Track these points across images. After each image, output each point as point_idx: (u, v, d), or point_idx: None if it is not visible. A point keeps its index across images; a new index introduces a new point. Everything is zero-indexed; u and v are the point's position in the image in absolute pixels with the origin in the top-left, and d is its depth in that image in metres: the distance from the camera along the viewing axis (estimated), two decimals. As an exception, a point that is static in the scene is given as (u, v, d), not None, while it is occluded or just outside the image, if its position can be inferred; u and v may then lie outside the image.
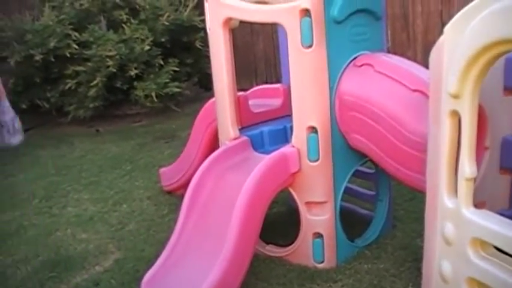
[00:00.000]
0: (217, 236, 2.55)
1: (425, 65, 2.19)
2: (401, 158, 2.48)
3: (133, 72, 6.43)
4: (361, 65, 2.69)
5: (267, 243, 3.06)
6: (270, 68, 7.72)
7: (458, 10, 1.84)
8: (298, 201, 2.85)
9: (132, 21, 6.68)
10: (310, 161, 2.75)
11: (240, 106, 3.11)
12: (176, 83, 6.68)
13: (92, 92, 6.45)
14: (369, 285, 2.69)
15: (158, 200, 4.07)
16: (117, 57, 6.29)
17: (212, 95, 3.22)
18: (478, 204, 1.96)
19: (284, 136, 3.19)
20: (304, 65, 2.66)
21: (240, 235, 2.44)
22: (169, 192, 4.14)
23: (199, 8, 6.84)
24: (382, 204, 3.17)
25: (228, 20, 2.88)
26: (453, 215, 1.97)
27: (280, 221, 3.47)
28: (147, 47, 6.47)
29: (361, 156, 2.85)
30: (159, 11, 6.80)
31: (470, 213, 1.90)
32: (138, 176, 4.69)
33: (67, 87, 6.54)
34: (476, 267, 1.88)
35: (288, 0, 2.63)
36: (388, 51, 3.06)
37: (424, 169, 2.18)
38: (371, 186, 3.41)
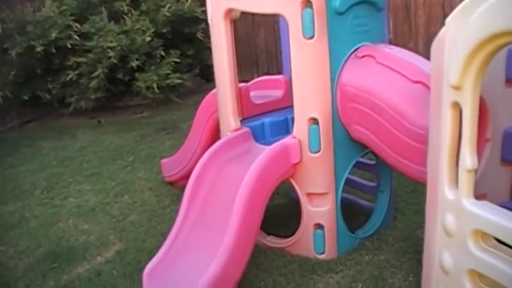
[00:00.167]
0: (218, 228, 2.56)
1: (427, 56, 2.18)
2: (402, 150, 2.48)
3: (134, 64, 6.41)
4: (363, 57, 2.69)
5: (268, 234, 3.07)
6: (271, 59, 7.71)
7: (461, 1, 1.83)
8: (299, 192, 2.86)
9: (134, 12, 6.66)
10: (311, 152, 2.75)
11: (242, 97, 3.11)
12: (177, 74, 6.66)
13: (93, 83, 6.44)
14: (369, 276, 2.70)
15: (159, 191, 4.08)
16: (119, 48, 6.27)
17: (213, 87, 3.22)
18: (479, 196, 1.96)
19: (285, 127, 3.19)
20: (305, 56, 2.66)
21: (241, 226, 2.45)
22: (170, 183, 4.14)
23: (201, -2, 6.85)
24: (383, 196, 3.17)
25: (230, 11, 2.87)
26: (454, 207, 1.97)
27: (281, 212, 3.48)
28: (149, 38, 6.45)
29: (362, 147, 2.86)
30: (160, 2, 6.77)
31: (471, 205, 1.90)
32: (140, 167, 4.69)
33: (68, 78, 6.53)
34: (477, 258, 1.88)
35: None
36: (390, 43, 3.06)
37: (425, 161, 2.18)
38: (372, 177, 3.42)
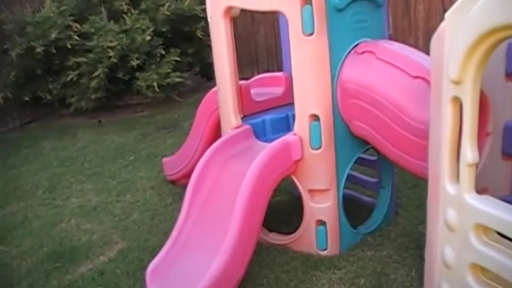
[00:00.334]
0: (220, 225, 2.56)
1: (427, 51, 2.18)
2: (403, 145, 2.48)
3: (134, 63, 6.42)
4: (363, 53, 2.69)
5: (270, 231, 3.07)
6: (271, 57, 7.71)
7: (460, -5, 1.83)
8: (301, 189, 2.86)
9: (133, 11, 6.66)
10: (313, 148, 2.76)
11: (242, 95, 3.11)
12: (178, 73, 6.67)
13: (93, 83, 6.45)
14: (372, 272, 2.70)
15: (161, 190, 4.08)
16: (119, 47, 6.28)
17: (214, 85, 3.23)
18: (480, 190, 1.96)
19: (286, 124, 3.19)
20: (305, 53, 2.66)
21: (243, 224, 2.45)
22: (172, 182, 4.15)
23: (200, -3, 6.86)
24: (385, 192, 3.17)
25: (229, 9, 2.87)
26: (455, 201, 1.97)
27: (283, 209, 3.48)
28: (148, 37, 6.45)
29: (364, 143, 2.86)
30: (159, 1, 6.78)
31: (472, 199, 1.90)
32: (141, 166, 4.70)
33: (69, 78, 6.53)
34: (479, 253, 1.88)
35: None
36: (390, 38, 3.05)
37: (426, 156, 2.18)
38: (373, 173, 3.42)
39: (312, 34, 2.60)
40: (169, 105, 6.97)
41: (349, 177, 2.97)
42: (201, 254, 2.53)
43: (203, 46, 7.24)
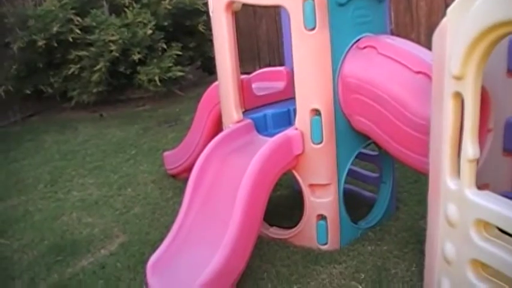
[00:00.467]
0: (221, 219, 2.57)
1: (429, 47, 2.18)
2: (404, 140, 2.48)
3: (136, 57, 6.42)
4: (364, 47, 2.69)
5: (271, 225, 3.07)
6: (273, 51, 7.70)
7: (462, -9, 1.83)
8: (301, 183, 2.86)
9: (135, 5, 6.66)
10: (314, 143, 2.76)
11: (244, 89, 3.11)
12: (179, 67, 6.67)
13: (95, 76, 6.45)
14: (372, 266, 2.70)
15: (162, 184, 4.09)
16: (120, 41, 6.28)
17: (215, 79, 3.23)
18: (481, 186, 1.95)
19: (287, 119, 3.19)
20: (307, 48, 2.66)
21: (243, 218, 2.45)
22: (173, 176, 4.15)
23: (202, -9, 6.84)
24: (386, 187, 3.18)
25: (231, 3, 2.87)
26: (456, 197, 1.97)
27: (283, 203, 3.49)
28: (150, 31, 6.45)
29: (365, 138, 2.86)
30: (161, -5, 6.78)
31: (473, 195, 1.90)
32: (142, 160, 4.70)
33: (70, 72, 6.54)
34: (480, 248, 1.89)
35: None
36: (392, 33, 3.05)
37: (427, 151, 2.18)
38: (374, 168, 3.42)
39: (313, 29, 2.59)
40: (170, 99, 6.97)
41: (350, 172, 2.97)
42: (202, 247, 2.54)
43: (205, 40, 7.24)
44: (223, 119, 3.16)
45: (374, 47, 2.65)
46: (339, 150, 2.79)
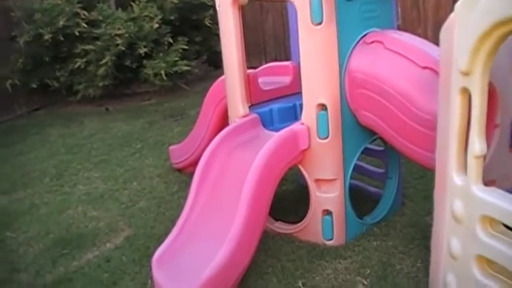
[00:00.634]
0: (226, 214, 2.57)
1: (436, 42, 2.17)
2: (410, 136, 2.47)
3: (142, 51, 6.41)
4: (371, 42, 2.68)
5: (276, 220, 3.07)
6: (279, 46, 7.68)
7: (470, -14, 1.82)
8: (307, 178, 2.86)
9: (141, -1, 6.66)
10: (320, 138, 2.75)
11: (250, 84, 3.11)
12: (185, 61, 6.66)
13: (101, 70, 6.45)
14: (377, 262, 2.70)
15: (168, 178, 4.09)
16: (126, 35, 6.27)
17: (221, 73, 3.22)
18: (487, 182, 1.95)
19: (294, 113, 3.19)
20: (313, 42, 2.65)
21: (249, 213, 2.45)
22: (178, 170, 4.16)
23: (208, -15, 6.84)
24: (391, 182, 3.17)
25: (237, -2, 2.87)
26: (462, 193, 1.96)
27: (289, 198, 3.49)
28: (156, 25, 6.45)
29: (371, 133, 2.85)
30: (167, -11, 6.77)
31: (479, 191, 1.90)
32: (148, 154, 4.71)
33: (76, 66, 6.54)
34: (485, 244, 1.88)
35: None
36: (399, 29, 3.03)
37: (434, 147, 2.18)
38: (380, 163, 3.42)
39: (320, 23, 2.58)
40: (176, 93, 6.97)
41: (356, 168, 2.97)
42: (207, 242, 2.54)
43: (211, 34, 7.23)
44: (229, 114, 3.16)
45: (381, 42, 2.64)
46: (345, 145, 2.79)
